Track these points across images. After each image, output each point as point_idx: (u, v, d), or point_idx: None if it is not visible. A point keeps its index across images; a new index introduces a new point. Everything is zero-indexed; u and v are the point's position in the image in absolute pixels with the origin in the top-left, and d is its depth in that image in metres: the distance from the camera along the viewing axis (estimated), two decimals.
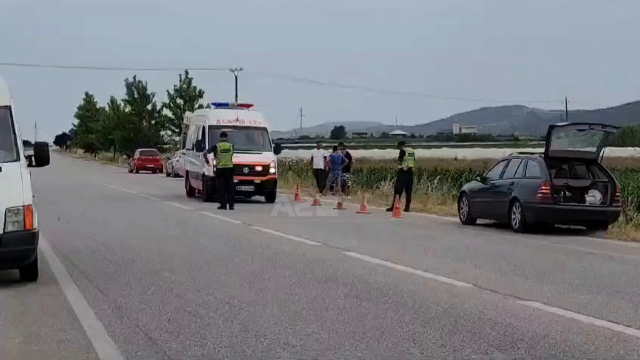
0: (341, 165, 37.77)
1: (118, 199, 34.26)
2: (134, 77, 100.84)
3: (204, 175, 32.23)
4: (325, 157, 39.02)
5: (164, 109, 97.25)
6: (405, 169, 29.21)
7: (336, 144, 42.99)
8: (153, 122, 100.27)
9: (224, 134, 30.23)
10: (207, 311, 10.14)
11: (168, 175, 62.58)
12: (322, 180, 38.67)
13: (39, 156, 12.55)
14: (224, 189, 28.83)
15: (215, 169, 29.62)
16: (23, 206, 11.68)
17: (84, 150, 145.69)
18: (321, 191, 36.37)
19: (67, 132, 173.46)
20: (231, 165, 29.04)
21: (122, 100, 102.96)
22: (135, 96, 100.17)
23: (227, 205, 28.02)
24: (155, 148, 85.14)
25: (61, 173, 57.76)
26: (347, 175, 37.67)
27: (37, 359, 8.10)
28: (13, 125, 12.37)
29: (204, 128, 33.46)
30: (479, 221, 24.01)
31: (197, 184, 33.97)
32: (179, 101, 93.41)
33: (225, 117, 33.68)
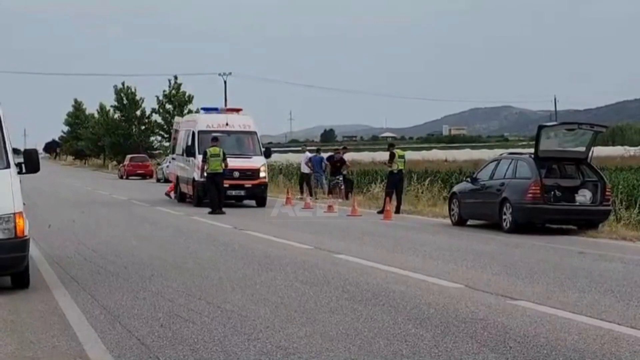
0: (323, 168, 37.85)
1: (108, 205, 34.21)
2: (123, 83, 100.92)
3: (194, 180, 32.24)
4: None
5: (153, 114, 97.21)
6: (395, 171, 29.24)
7: (317, 148, 43.11)
8: (142, 127, 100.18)
9: (215, 139, 30.21)
10: (200, 316, 10.14)
11: (158, 180, 62.45)
12: (307, 183, 38.78)
13: (29, 163, 12.53)
14: (215, 193, 28.85)
15: (205, 174, 29.63)
16: (14, 213, 11.66)
17: (73, 157, 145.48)
18: (309, 194, 36.38)
19: (56, 139, 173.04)
20: (221, 170, 29.02)
21: (111, 106, 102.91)
22: (124, 102, 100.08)
23: (218, 210, 28.05)
24: (145, 154, 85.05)
25: (51, 180, 57.71)
26: (339, 178, 37.53)
27: None
28: (2, 132, 12.36)
29: (193, 133, 33.46)
30: (469, 222, 24.05)
31: (187, 189, 33.97)
32: (168, 106, 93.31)
33: (215, 121, 33.68)
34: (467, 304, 10.94)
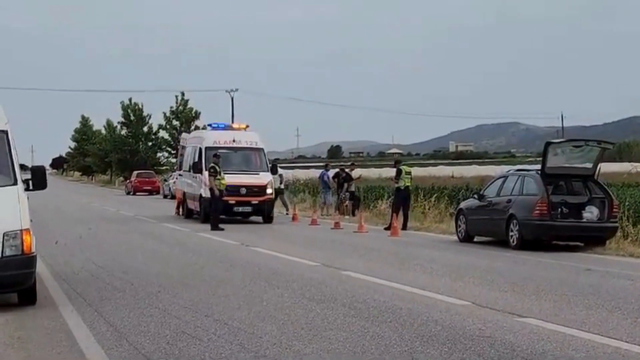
0: (327, 183, 37.98)
1: (115, 221, 34.22)
2: (130, 100, 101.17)
3: (200, 196, 32.25)
4: (281, 176, 39.49)
5: (161, 130, 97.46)
6: (402, 187, 29.23)
7: (326, 164, 43.31)
8: (149, 144, 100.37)
9: (215, 156, 30.31)
10: (206, 333, 10.13)
11: (165, 197, 62.49)
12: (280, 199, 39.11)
13: (36, 180, 12.55)
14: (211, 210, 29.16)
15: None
16: (21, 230, 11.67)
17: (80, 173, 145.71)
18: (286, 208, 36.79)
19: (63, 155, 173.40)
20: (218, 187, 29.07)
21: (118, 122, 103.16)
22: (132, 118, 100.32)
23: (214, 226, 28.12)
24: (152, 170, 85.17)
25: (58, 196, 57.76)
26: (344, 195, 37.61)
27: None
28: (10, 149, 12.39)
29: (200, 149, 33.51)
30: (476, 239, 24.02)
31: (194, 205, 33.99)
32: (175, 123, 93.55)
33: (222, 138, 33.73)
34: (474, 321, 10.92)
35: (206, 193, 30.98)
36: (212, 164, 29.55)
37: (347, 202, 37.20)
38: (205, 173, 31.02)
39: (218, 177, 29.17)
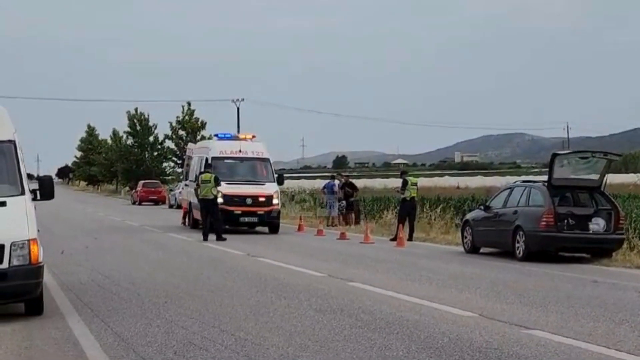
0: (333, 194, 38.12)
1: (121, 231, 34.26)
2: (136, 109, 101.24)
3: None
4: None
5: (166, 140, 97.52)
6: (408, 198, 29.23)
7: (332, 174, 43.64)
8: (155, 154, 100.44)
9: (208, 165, 30.34)
10: (213, 343, 10.14)
11: (171, 206, 62.53)
12: None
13: (44, 190, 12.58)
14: (205, 220, 28.91)
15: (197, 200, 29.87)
16: (28, 240, 11.68)
17: (86, 183, 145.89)
18: None
19: (69, 164, 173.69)
20: (211, 196, 28.96)
21: (124, 132, 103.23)
22: (138, 128, 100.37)
23: (207, 237, 28.00)
24: (157, 180, 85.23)
25: (64, 206, 57.82)
26: (342, 203, 37.88)
27: None
28: (18, 159, 12.41)
29: (206, 160, 33.53)
30: (482, 250, 24.01)
31: (199, 216, 33.98)
32: (181, 133, 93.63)
33: (228, 148, 33.76)
34: (481, 333, 10.91)
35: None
36: (214, 174, 29.36)
37: (343, 210, 37.57)
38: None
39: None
